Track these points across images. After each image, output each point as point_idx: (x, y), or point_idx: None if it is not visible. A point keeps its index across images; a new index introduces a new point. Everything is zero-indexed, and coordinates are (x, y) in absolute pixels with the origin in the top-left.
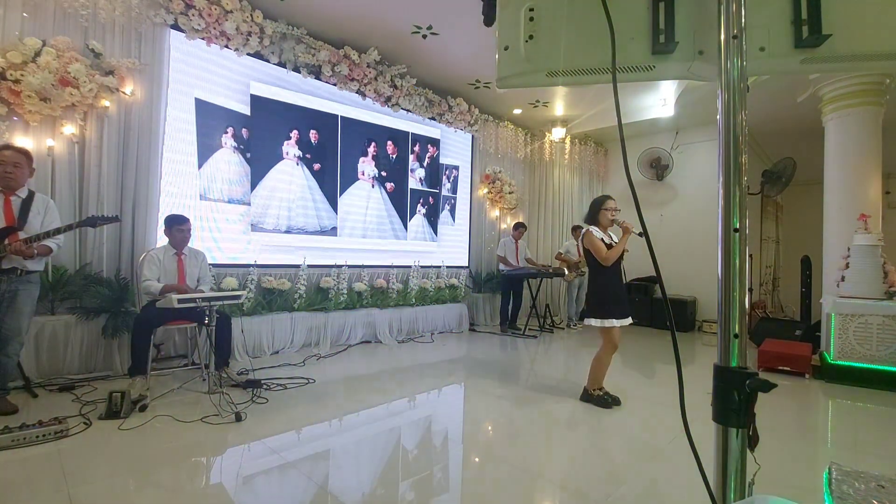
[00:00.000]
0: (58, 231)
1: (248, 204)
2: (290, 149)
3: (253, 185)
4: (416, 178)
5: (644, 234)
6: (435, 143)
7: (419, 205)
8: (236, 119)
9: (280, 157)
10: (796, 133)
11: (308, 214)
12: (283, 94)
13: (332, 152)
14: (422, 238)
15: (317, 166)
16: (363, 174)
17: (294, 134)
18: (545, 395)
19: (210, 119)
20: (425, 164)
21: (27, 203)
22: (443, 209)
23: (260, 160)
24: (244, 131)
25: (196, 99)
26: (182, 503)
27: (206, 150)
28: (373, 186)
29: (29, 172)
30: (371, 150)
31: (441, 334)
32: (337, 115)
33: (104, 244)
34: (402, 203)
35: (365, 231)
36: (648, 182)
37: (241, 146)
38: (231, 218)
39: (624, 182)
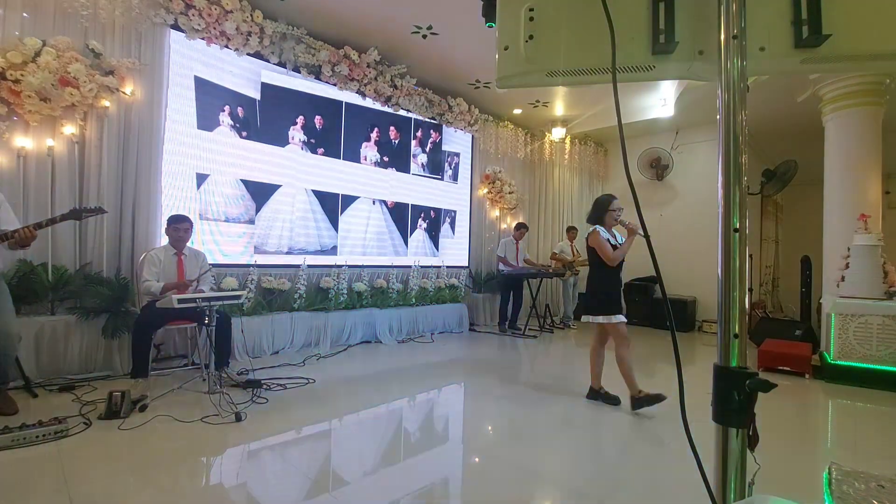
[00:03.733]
0: (38, 225)
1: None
2: (296, 133)
3: (258, 209)
4: (418, 164)
5: (646, 236)
6: (438, 128)
7: (420, 219)
8: (233, 98)
9: (286, 142)
10: (796, 133)
11: (309, 234)
12: (291, 82)
13: (335, 137)
14: (423, 254)
15: (320, 150)
16: (366, 159)
17: (300, 119)
18: (545, 394)
19: (209, 97)
20: (427, 149)
21: None
22: (444, 222)
23: (267, 141)
24: (240, 110)
25: (196, 77)
26: (182, 503)
27: (204, 127)
28: (374, 203)
29: None
30: (374, 135)
31: (441, 334)
32: (341, 102)
33: (104, 244)
34: (402, 218)
35: (365, 249)
36: (648, 182)
37: (238, 124)
38: (230, 197)
39: (624, 182)
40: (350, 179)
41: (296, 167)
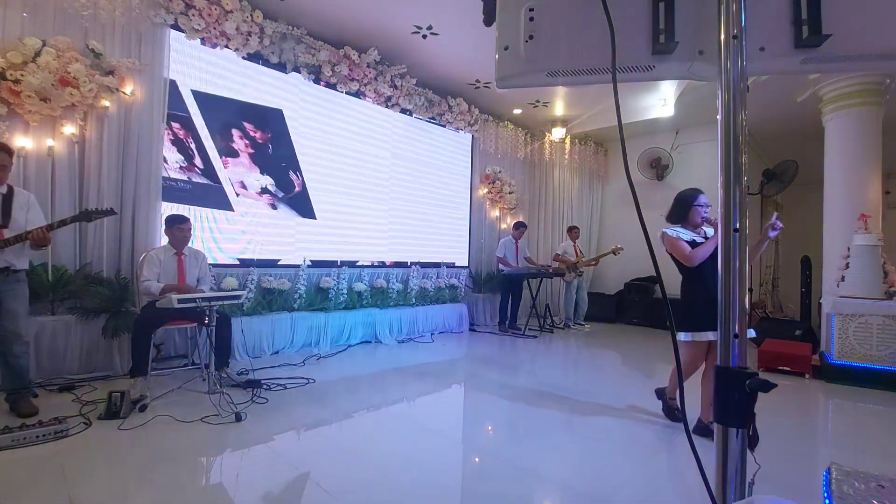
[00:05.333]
0: (50, 227)
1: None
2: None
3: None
4: None
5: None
6: None
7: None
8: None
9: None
10: (796, 133)
11: None
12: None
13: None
14: None
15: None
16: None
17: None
18: (545, 395)
19: None
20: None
21: (8, 199)
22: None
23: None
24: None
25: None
26: (182, 503)
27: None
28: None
29: (10, 168)
30: None
31: (441, 334)
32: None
33: (104, 244)
34: None
35: None
36: (648, 182)
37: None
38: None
39: (624, 182)
40: (352, 117)
41: (298, 98)
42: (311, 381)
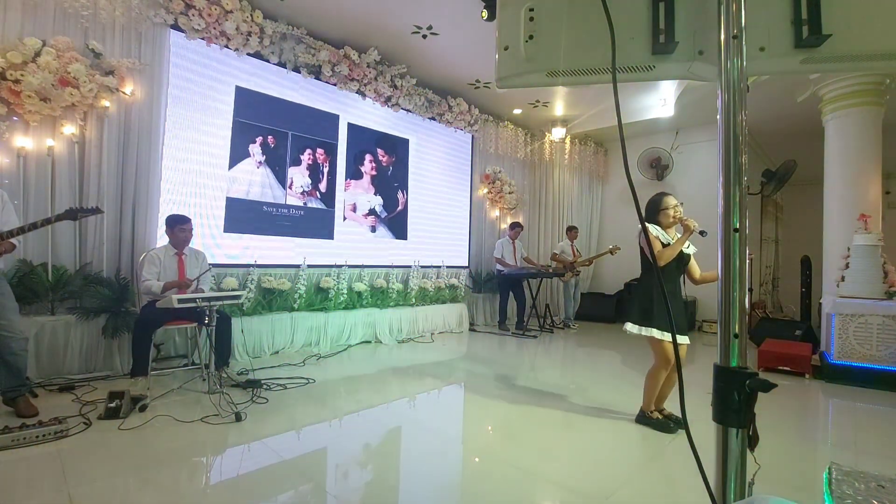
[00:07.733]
0: (34, 226)
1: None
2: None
3: None
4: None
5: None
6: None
7: None
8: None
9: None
10: (796, 133)
11: None
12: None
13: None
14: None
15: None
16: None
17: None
18: (545, 394)
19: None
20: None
21: None
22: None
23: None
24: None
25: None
26: (182, 503)
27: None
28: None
29: None
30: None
31: (441, 334)
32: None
33: (104, 244)
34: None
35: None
36: (648, 182)
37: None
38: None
39: (624, 182)
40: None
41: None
42: (311, 381)
